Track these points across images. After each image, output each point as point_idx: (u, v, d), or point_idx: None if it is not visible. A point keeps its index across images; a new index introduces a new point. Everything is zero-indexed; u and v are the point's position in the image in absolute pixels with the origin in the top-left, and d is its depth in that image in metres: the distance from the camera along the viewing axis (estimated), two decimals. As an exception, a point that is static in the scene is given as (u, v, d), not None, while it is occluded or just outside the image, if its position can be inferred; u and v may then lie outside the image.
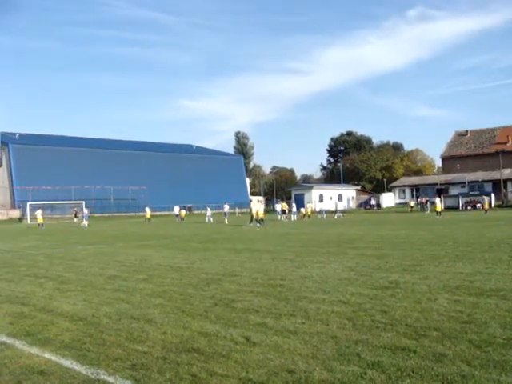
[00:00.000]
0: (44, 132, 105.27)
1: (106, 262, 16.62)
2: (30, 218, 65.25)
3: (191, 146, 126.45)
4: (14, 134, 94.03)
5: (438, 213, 51.70)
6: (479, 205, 66.86)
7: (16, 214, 75.72)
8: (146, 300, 9.73)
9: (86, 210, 54.87)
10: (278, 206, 58.80)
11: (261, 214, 41.11)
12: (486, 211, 55.77)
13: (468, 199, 72.97)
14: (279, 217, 55.88)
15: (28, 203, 69.77)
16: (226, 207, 56.11)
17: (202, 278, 12.34)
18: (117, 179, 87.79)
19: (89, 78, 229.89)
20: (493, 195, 73.69)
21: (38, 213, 54.50)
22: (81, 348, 6.61)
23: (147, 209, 60.89)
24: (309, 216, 55.50)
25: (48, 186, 77.85)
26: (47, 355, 6.34)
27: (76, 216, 69.69)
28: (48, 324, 7.99)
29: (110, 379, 5.44)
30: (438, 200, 55.28)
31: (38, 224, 51.97)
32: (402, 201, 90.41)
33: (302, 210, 56.98)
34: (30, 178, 79.57)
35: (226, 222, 49.12)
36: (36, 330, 7.61)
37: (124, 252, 20.32)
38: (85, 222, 50.90)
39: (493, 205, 71.02)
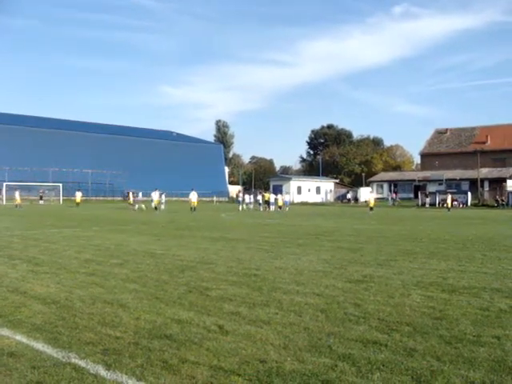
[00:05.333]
0: (22, 113, 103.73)
1: (82, 246, 16.51)
2: (6, 199, 64.71)
3: (171, 132, 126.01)
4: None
5: (370, 208, 50.60)
6: (456, 202, 67.40)
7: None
8: (121, 285, 9.69)
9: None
10: (260, 197, 58.81)
11: (194, 203, 47.04)
12: (448, 209, 56.00)
13: (445, 196, 73.56)
14: (261, 207, 55.89)
15: (4, 184, 69.00)
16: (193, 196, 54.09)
17: (177, 265, 12.32)
18: (95, 163, 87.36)
19: (69, 60, 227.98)
20: (469, 194, 74.49)
21: (16, 194, 54.14)
22: (53, 331, 6.57)
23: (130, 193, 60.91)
24: (281, 207, 55.34)
25: (25, 167, 77.06)
26: (18, 337, 6.28)
27: (41, 198, 69.74)
28: (20, 306, 7.92)
29: (81, 363, 5.41)
30: (372, 196, 55.81)
31: (16, 205, 51.58)
32: (379, 196, 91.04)
33: (280, 200, 56.74)
34: (7, 158, 78.71)
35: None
36: (7, 312, 7.54)
37: (100, 236, 20.20)
38: (142, 205, 51.15)
39: (469, 203, 71.90)
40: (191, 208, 46.35)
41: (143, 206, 50.66)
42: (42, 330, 6.63)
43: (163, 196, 55.48)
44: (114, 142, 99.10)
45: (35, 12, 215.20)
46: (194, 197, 48.03)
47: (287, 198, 58.06)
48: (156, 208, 48.19)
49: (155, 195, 50.01)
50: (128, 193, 61.75)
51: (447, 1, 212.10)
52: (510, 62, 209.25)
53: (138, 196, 56.16)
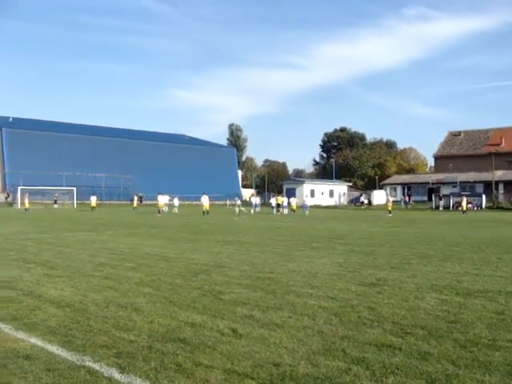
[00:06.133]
0: (37, 117, 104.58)
1: (96, 250, 16.59)
2: (21, 203, 65.25)
3: (184, 135, 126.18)
4: (8, 118, 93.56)
5: (389, 211, 50.21)
6: (470, 205, 66.97)
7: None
8: (134, 288, 9.72)
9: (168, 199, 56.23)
10: (273, 200, 58.82)
11: (206, 207, 47.21)
12: (463, 212, 55.64)
13: (459, 199, 73.11)
14: (274, 211, 55.83)
15: (19, 188, 69.49)
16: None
17: (190, 269, 12.34)
18: (109, 167, 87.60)
19: (83, 64, 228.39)
20: (484, 196, 74.03)
21: (25, 197, 54.56)
22: (67, 334, 6.60)
23: (135, 197, 61.50)
24: (294, 211, 55.22)
25: (40, 171, 77.51)
26: (33, 340, 6.32)
27: (55, 202, 70.20)
28: (35, 309, 7.97)
29: (96, 366, 5.43)
30: (390, 199, 55.63)
31: (25, 209, 51.96)
32: (393, 199, 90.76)
33: (293, 203, 56.53)
34: (22, 162, 79.27)
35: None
36: (23, 315, 7.59)
37: (114, 240, 20.28)
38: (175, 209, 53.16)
39: (483, 206, 71.45)
40: (203, 212, 46.50)
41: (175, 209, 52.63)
42: (56, 333, 6.66)
43: (176, 200, 55.67)
44: (128, 145, 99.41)
45: (53, 17, 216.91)
46: (205, 200, 48.16)
47: (308, 201, 57.61)
48: (160, 211, 48.78)
49: (163, 198, 51.45)
50: (137, 196, 62.42)
51: (459, 2, 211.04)
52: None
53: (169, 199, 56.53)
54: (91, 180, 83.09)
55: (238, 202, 58.95)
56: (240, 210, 54.67)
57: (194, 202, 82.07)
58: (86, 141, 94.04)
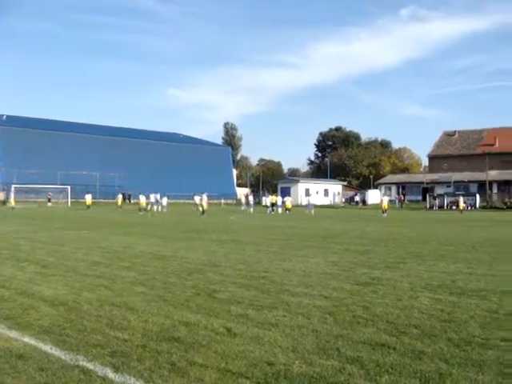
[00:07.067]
0: (31, 115, 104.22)
1: (90, 248, 16.55)
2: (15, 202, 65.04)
3: (178, 134, 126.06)
4: (2, 116, 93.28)
5: (383, 211, 48.65)
6: (464, 205, 67.16)
7: (0, 196, 75.16)
8: (128, 287, 9.70)
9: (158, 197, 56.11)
10: (268, 199, 58.80)
11: (205, 206, 45.63)
12: (461, 211, 55.71)
13: (453, 199, 73.27)
14: (268, 210, 55.76)
15: (13, 186, 69.20)
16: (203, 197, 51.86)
17: (184, 268, 12.32)
18: (103, 165, 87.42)
19: (76, 62, 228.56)
20: (478, 196, 74.28)
21: (11, 196, 54.41)
22: (60, 333, 6.57)
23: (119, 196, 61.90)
24: (289, 210, 55.18)
25: (34, 170, 77.28)
26: (26, 339, 6.30)
27: (49, 200, 70.02)
28: (28, 308, 7.94)
29: (89, 365, 5.41)
30: (385, 198, 54.91)
31: (11, 208, 51.69)
32: (388, 198, 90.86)
33: (287, 202, 56.42)
34: (16, 160, 79.04)
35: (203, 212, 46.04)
36: (16, 314, 7.56)
37: (108, 239, 20.24)
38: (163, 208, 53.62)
39: (477, 205, 71.69)
40: (200, 210, 45.92)
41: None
42: (49, 332, 6.64)
43: (165, 199, 55.74)
44: (122, 144, 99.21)
45: (43, 13, 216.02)
46: (203, 200, 47.45)
47: (312, 200, 57.32)
48: (140, 210, 49.18)
49: (143, 197, 51.77)
50: (122, 195, 62.45)
51: (455, 3, 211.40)
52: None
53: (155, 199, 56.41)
54: (85, 178, 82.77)
55: (251, 202, 59.28)
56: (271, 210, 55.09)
57: (188, 201, 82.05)
58: (81, 139, 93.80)
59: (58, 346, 6.04)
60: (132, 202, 55.44)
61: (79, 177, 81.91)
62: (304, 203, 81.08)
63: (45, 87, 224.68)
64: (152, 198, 55.35)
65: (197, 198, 49.25)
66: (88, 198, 60.26)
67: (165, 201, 56.03)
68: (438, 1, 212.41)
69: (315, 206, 56.98)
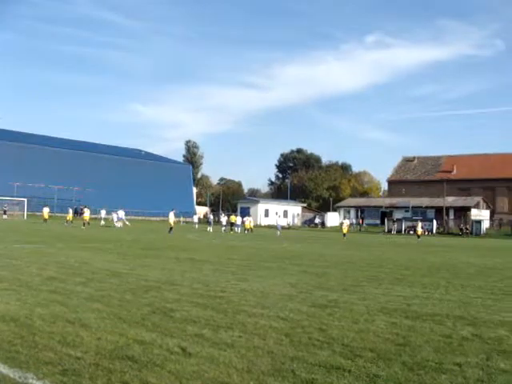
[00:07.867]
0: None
1: (45, 263, 16.23)
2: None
3: (140, 150, 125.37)
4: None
5: (344, 234, 49.74)
6: (421, 230, 68.07)
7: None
8: (83, 304, 9.53)
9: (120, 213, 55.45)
10: (225, 219, 58.89)
11: (171, 224, 45.92)
12: (418, 236, 56.19)
13: (411, 224, 74.28)
14: (222, 229, 55.76)
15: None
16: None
17: (141, 285, 12.18)
18: (62, 179, 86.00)
19: (38, 73, 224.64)
20: (435, 221, 75.54)
21: None
22: (10, 350, 6.40)
23: (45, 209, 61.16)
24: (251, 230, 55.45)
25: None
26: (-26, 355, 6.12)
27: (5, 213, 68.65)
28: (-22, 323, 7.73)
29: None
30: (346, 222, 56.29)
31: None
32: (348, 222, 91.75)
33: (247, 222, 56.61)
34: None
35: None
36: (-35, 329, 7.35)
37: (64, 253, 19.89)
38: (120, 223, 53.20)
39: (434, 231, 72.84)
40: (170, 228, 45.19)
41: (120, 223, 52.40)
42: (-1, 348, 6.46)
43: (121, 211, 55.23)
44: (82, 158, 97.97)
45: (2, 21, 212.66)
46: (171, 217, 47.07)
47: (280, 222, 57.93)
48: (84, 224, 48.82)
49: (87, 211, 52.31)
50: (72, 209, 61.43)
51: (420, 32, 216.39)
52: (477, 94, 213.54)
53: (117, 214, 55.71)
54: (43, 191, 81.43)
55: (210, 220, 59.69)
56: (228, 230, 55.36)
57: (148, 218, 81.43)
58: (40, 151, 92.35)
59: (7, 363, 5.87)
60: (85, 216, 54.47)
61: (37, 189, 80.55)
62: (263, 223, 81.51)
63: (4, 97, 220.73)
64: (114, 216, 54.94)
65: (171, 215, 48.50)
66: (45, 212, 59.25)
67: (121, 213, 55.24)
68: (402, 29, 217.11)
69: (274, 227, 57.27)
